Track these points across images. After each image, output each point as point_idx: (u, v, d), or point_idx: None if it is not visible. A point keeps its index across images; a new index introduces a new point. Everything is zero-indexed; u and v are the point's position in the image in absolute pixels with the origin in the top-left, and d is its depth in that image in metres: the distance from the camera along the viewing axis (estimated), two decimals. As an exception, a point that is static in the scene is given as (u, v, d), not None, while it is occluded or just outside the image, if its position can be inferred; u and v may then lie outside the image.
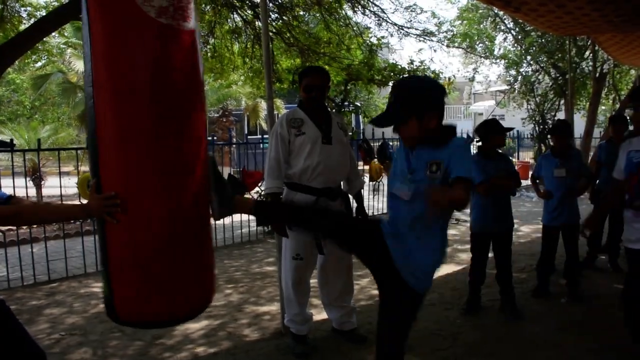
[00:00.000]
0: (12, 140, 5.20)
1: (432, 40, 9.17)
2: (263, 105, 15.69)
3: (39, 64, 14.61)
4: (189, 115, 2.08)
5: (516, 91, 12.43)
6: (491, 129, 3.90)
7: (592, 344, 3.45)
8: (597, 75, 10.51)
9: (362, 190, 3.55)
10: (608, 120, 5.19)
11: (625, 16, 4.12)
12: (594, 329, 3.72)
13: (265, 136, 8.55)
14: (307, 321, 3.39)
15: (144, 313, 2.09)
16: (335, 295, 3.45)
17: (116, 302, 2.07)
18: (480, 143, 3.96)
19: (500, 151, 4.12)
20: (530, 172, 4.41)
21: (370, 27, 9.96)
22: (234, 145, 10.16)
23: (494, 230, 3.95)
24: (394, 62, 8.90)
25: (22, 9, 7.36)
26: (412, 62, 8.82)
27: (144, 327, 2.24)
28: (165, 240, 2.03)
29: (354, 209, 3.60)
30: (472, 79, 12.76)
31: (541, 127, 11.82)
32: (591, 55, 9.83)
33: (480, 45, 11.39)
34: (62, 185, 5.48)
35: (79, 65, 13.85)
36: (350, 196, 3.46)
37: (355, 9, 8.06)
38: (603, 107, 14.64)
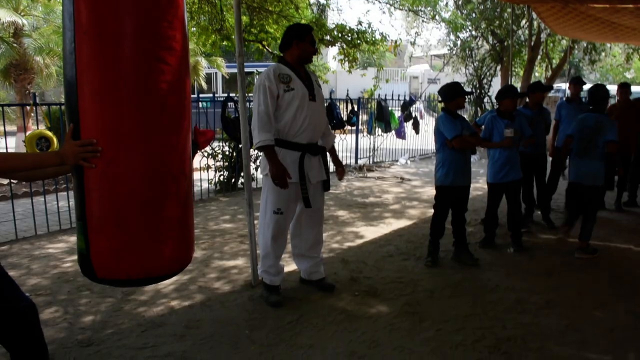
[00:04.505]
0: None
1: (379, 2, 9.25)
2: (204, 63, 15.23)
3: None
4: (175, 67, 2.03)
5: (455, 56, 12.85)
6: (455, 92, 4.13)
7: (536, 284, 3.86)
8: (532, 43, 11.06)
9: (334, 144, 3.66)
10: (528, 87, 5.53)
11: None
12: (538, 272, 4.13)
13: (215, 95, 8.37)
14: (280, 272, 3.52)
15: (122, 270, 2.03)
16: (307, 246, 3.60)
17: (93, 259, 2.02)
18: (443, 104, 4.20)
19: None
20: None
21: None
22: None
23: (459, 184, 4.22)
24: (343, 22, 8.94)
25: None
26: (360, 23, 8.93)
27: (121, 285, 2.14)
28: (145, 195, 2.00)
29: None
30: (413, 43, 13.01)
31: (478, 91, 12.34)
32: (527, 24, 10.31)
33: (424, 9, 11.59)
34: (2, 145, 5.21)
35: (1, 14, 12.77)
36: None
37: (306, -34, 7.98)
38: (536, 74, 15.42)
